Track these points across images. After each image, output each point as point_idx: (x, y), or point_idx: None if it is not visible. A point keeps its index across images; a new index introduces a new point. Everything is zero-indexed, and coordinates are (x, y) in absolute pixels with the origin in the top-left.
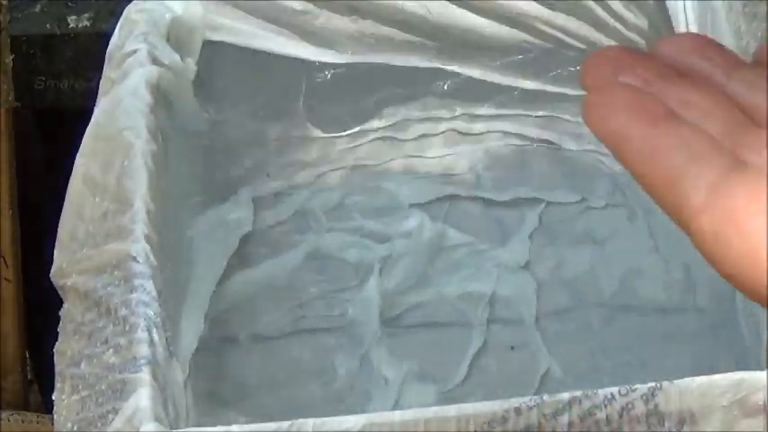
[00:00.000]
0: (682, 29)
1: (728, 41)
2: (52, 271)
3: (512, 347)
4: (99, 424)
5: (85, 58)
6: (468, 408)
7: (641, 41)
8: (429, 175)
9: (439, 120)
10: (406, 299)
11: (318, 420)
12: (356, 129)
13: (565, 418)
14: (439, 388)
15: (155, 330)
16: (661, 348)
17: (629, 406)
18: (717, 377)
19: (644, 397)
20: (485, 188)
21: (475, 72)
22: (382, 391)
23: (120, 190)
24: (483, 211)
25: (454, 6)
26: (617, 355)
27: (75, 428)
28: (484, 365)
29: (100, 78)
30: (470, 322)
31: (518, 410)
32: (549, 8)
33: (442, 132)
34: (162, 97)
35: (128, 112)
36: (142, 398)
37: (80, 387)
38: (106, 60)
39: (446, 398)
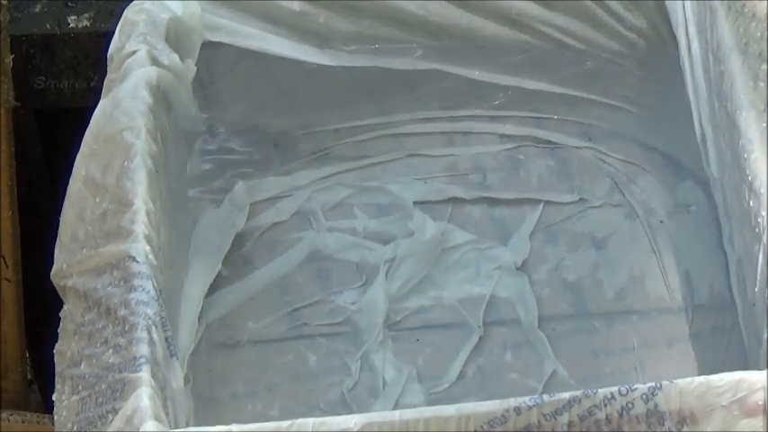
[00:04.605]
0: (681, 29)
1: (728, 41)
2: (53, 272)
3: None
4: (99, 424)
5: (85, 58)
6: (468, 407)
7: (641, 41)
8: (431, 174)
9: (439, 120)
10: (409, 303)
11: (318, 420)
12: (356, 129)
13: (565, 418)
14: (441, 390)
15: (154, 330)
16: (663, 351)
17: (629, 405)
18: (716, 377)
19: (644, 397)
20: (487, 188)
21: (474, 72)
22: (383, 394)
23: (120, 190)
24: (485, 210)
25: (454, 7)
26: (619, 359)
27: (75, 428)
28: (484, 367)
29: (100, 78)
30: (472, 325)
31: (518, 410)
32: (549, 9)
33: (442, 133)
34: (161, 97)
35: (127, 112)
36: (142, 398)
37: (80, 387)
38: (108, 62)
39: (449, 401)
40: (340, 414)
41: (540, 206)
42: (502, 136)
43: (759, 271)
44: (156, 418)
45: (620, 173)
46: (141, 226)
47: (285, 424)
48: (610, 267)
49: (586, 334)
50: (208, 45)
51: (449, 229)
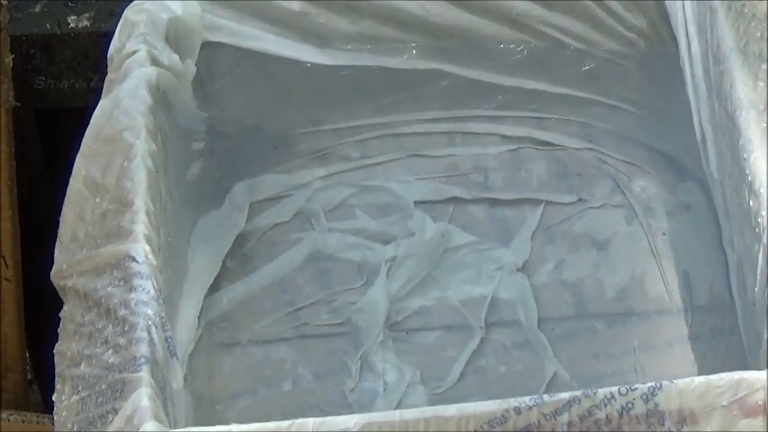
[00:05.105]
0: (681, 29)
1: (728, 41)
2: (53, 272)
3: None
4: (99, 424)
5: (85, 58)
6: (468, 407)
7: (641, 41)
8: (431, 175)
9: (439, 120)
10: (411, 303)
11: (318, 420)
12: (356, 129)
13: (565, 418)
14: (442, 391)
15: (154, 330)
16: (663, 352)
17: (629, 405)
18: (716, 377)
19: (644, 396)
20: (488, 188)
21: (474, 72)
22: (384, 395)
23: (120, 190)
24: (486, 211)
25: (454, 7)
26: (619, 360)
27: (75, 428)
28: (485, 368)
29: (100, 78)
30: (473, 326)
31: (518, 410)
32: (549, 9)
33: (442, 133)
34: (161, 98)
35: (127, 112)
36: (142, 397)
37: (80, 387)
38: (108, 62)
39: (450, 402)
40: (340, 414)
41: (541, 207)
42: (503, 136)
43: (759, 271)
44: (156, 418)
45: (620, 173)
46: (141, 226)
47: (285, 424)
48: (610, 268)
49: (587, 335)
50: (208, 45)
51: (449, 229)
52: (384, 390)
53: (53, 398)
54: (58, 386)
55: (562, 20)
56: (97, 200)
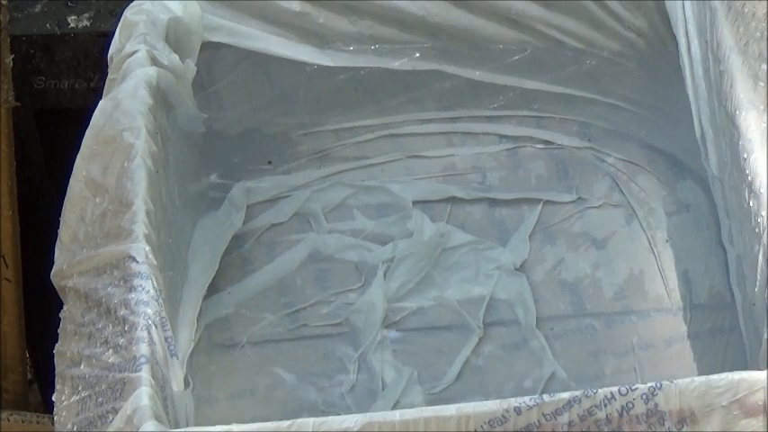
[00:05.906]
0: (681, 29)
1: (728, 41)
2: (53, 272)
3: None
4: (99, 424)
5: (85, 58)
6: (468, 407)
7: (641, 41)
8: (430, 175)
9: (438, 120)
10: (409, 303)
11: (318, 420)
12: (355, 130)
13: (565, 418)
14: (440, 391)
15: (154, 330)
16: (662, 351)
17: (629, 405)
18: (716, 377)
19: (644, 396)
20: (486, 188)
21: (474, 73)
22: (383, 395)
23: (120, 190)
24: (484, 210)
25: (454, 7)
26: (618, 359)
27: (75, 428)
28: (483, 368)
29: (100, 78)
30: (471, 325)
31: (518, 410)
32: (549, 8)
33: (442, 133)
34: (161, 98)
35: (127, 112)
36: (142, 397)
37: (80, 387)
38: (108, 63)
39: (448, 402)
40: (339, 414)
41: (540, 206)
42: (501, 136)
43: (759, 271)
44: (156, 418)
45: (619, 172)
46: (141, 226)
47: (285, 424)
48: (609, 267)
49: (585, 334)
50: (208, 46)
51: (448, 229)
52: (382, 389)
53: (53, 398)
54: (58, 386)
55: (562, 20)
56: (97, 200)
